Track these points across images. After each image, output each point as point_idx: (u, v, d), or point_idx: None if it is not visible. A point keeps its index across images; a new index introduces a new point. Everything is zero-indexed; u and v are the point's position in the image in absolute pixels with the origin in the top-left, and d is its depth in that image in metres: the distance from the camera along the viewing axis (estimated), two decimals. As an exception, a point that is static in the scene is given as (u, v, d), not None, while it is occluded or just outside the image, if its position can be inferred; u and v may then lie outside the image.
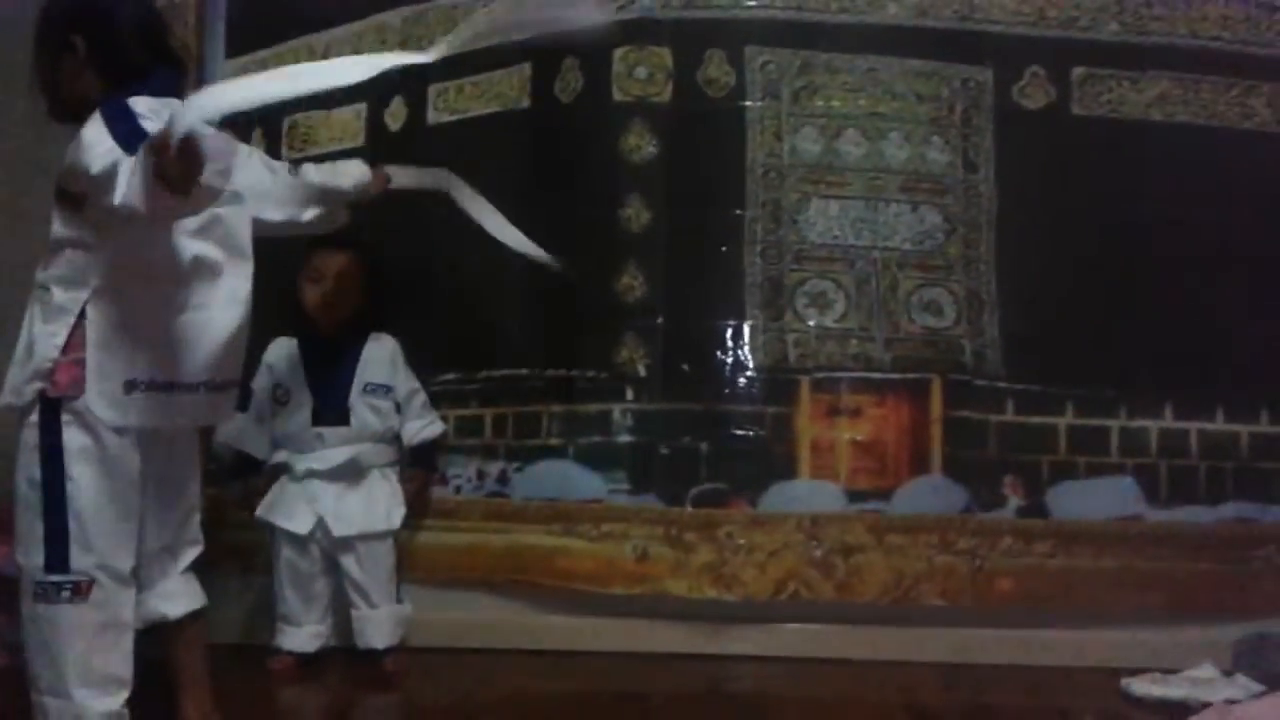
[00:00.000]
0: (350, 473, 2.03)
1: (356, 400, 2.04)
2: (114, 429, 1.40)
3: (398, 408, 2.08)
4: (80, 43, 1.46)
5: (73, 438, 1.39)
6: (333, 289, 2.04)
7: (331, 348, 2.06)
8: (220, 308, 1.48)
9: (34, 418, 1.39)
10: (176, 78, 1.55)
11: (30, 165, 1.45)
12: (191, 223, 1.43)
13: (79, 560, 1.39)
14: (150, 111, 1.38)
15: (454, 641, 2.12)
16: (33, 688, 1.40)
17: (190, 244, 1.44)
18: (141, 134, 1.29)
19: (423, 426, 2.11)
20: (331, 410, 2.03)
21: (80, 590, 1.38)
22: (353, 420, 2.03)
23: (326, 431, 2.02)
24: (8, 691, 1.77)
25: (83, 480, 1.39)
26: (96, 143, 1.31)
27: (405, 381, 2.09)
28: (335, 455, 2.02)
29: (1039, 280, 2.09)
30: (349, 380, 2.04)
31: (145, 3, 1.63)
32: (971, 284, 2.09)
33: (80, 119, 1.38)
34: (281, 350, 2.07)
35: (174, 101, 1.45)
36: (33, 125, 1.54)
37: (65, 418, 1.38)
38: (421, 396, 2.11)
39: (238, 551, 2.08)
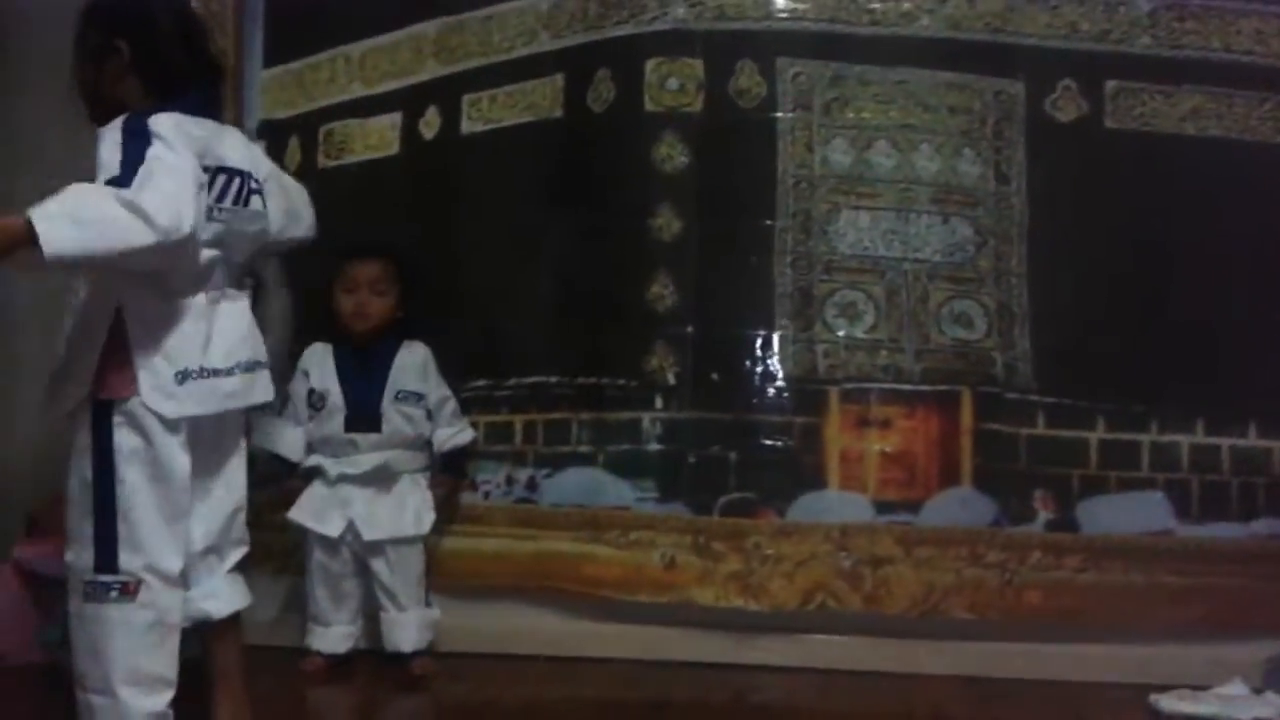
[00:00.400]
0: (381, 478, 2.05)
1: (389, 407, 2.05)
2: (167, 426, 1.41)
3: (429, 414, 2.10)
4: (125, 47, 1.47)
5: (124, 439, 1.40)
6: (366, 297, 2.07)
7: (365, 355, 2.08)
8: (229, 301, 1.51)
9: (86, 420, 1.41)
10: (216, 93, 1.57)
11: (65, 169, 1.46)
12: (208, 232, 1.45)
13: (128, 561, 1.40)
14: (179, 130, 1.39)
15: (480, 646, 2.13)
16: (79, 686, 1.42)
17: (205, 252, 1.46)
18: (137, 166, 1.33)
19: (453, 434, 2.12)
20: (364, 416, 2.05)
21: (128, 590, 1.40)
22: (384, 426, 2.05)
23: (359, 437, 2.05)
24: (46, 689, 1.81)
25: (133, 481, 1.41)
26: (108, 162, 1.34)
27: (437, 389, 2.11)
28: (367, 460, 2.04)
29: (1070, 293, 2.08)
30: (381, 387, 2.06)
31: (187, 8, 1.65)
32: (1002, 296, 2.09)
33: None
34: (317, 356, 2.09)
35: (208, 123, 1.47)
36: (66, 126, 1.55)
37: (116, 419, 1.40)
38: (452, 404, 2.13)
39: (271, 553, 2.09)
